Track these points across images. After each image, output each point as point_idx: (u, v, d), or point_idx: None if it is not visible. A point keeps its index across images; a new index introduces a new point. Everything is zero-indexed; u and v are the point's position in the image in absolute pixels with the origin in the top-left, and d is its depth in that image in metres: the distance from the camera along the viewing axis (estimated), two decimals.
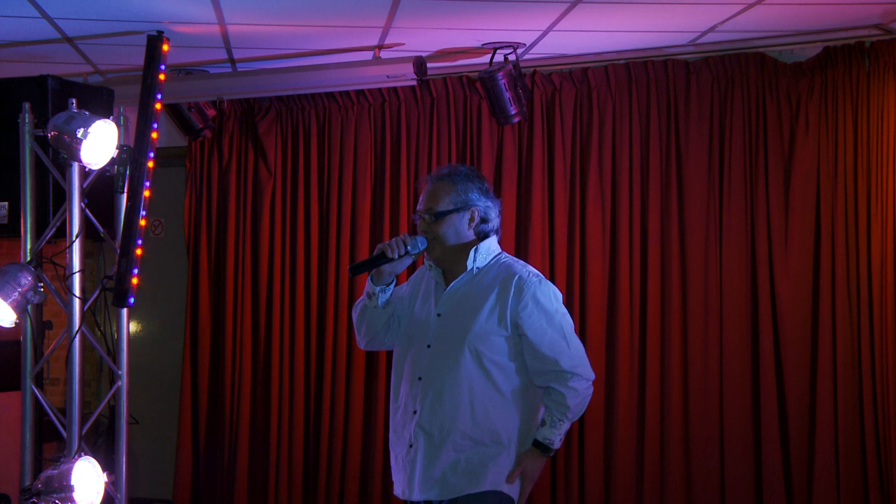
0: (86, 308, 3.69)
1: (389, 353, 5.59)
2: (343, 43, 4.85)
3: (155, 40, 3.53)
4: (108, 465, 3.73)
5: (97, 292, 3.77)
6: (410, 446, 3.16)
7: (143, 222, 3.54)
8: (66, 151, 3.50)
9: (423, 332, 3.23)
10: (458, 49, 4.98)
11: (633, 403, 5.17)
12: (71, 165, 3.61)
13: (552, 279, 5.30)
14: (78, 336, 3.64)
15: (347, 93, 5.53)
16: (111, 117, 3.66)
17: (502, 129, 5.35)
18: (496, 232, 3.27)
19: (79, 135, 3.45)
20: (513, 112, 4.98)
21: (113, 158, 3.58)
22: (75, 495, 3.48)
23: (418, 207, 3.26)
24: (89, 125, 3.47)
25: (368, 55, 5.03)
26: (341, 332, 5.54)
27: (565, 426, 3.13)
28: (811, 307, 4.94)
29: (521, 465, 3.11)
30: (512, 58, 4.89)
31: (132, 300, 3.54)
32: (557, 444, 3.13)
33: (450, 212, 3.18)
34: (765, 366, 4.98)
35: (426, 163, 5.49)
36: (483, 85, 4.92)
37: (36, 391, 3.75)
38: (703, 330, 5.09)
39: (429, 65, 4.92)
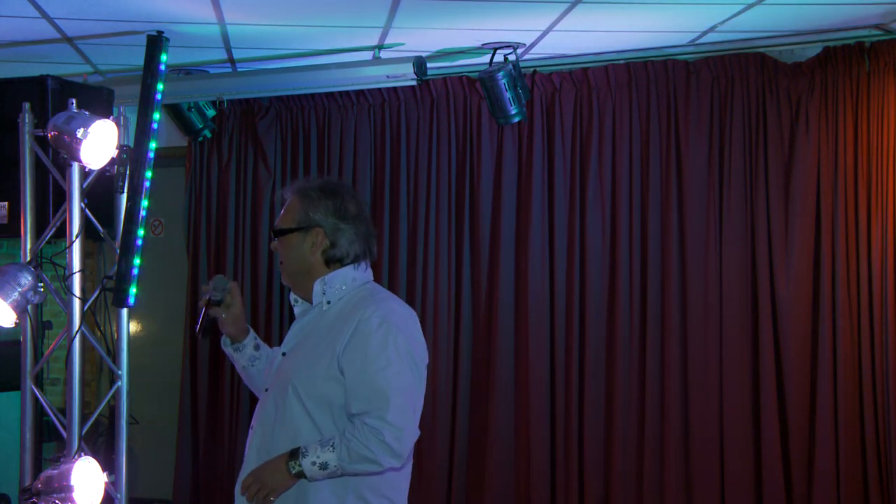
0: (86, 308, 3.69)
1: None
2: (343, 43, 4.85)
3: (155, 40, 3.52)
4: (108, 465, 3.73)
5: (97, 292, 3.76)
6: None
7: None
8: (66, 151, 3.49)
9: (269, 375, 2.87)
10: (458, 49, 4.98)
11: (632, 403, 5.17)
12: (71, 165, 3.60)
13: (551, 279, 5.30)
14: (78, 336, 3.64)
15: (347, 93, 5.53)
16: (111, 117, 3.66)
17: (502, 129, 5.35)
18: (356, 259, 2.82)
19: (79, 135, 3.44)
20: (513, 112, 4.98)
21: (113, 158, 3.57)
22: (75, 495, 3.47)
23: None
24: (89, 125, 3.46)
25: (368, 55, 5.03)
26: None
27: (332, 464, 2.61)
28: (811, 307, 4.94)
29: (260, 469, 2.71)
30: (512, 58, 4.89)
31: (132, 300, 3.54)
32: (309, 473, 2.62)
33: (290, 230, 2.80)
34: (765, 365, 4.97)
35: (426, 163, 5.49)
36: (483, 85, 4.92)
37: (36, 391, 3.74)
38: (703, 330, 5.08)
39: (429, 65, 4.92)
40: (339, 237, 2.79)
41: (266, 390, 2.84)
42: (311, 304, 2.84)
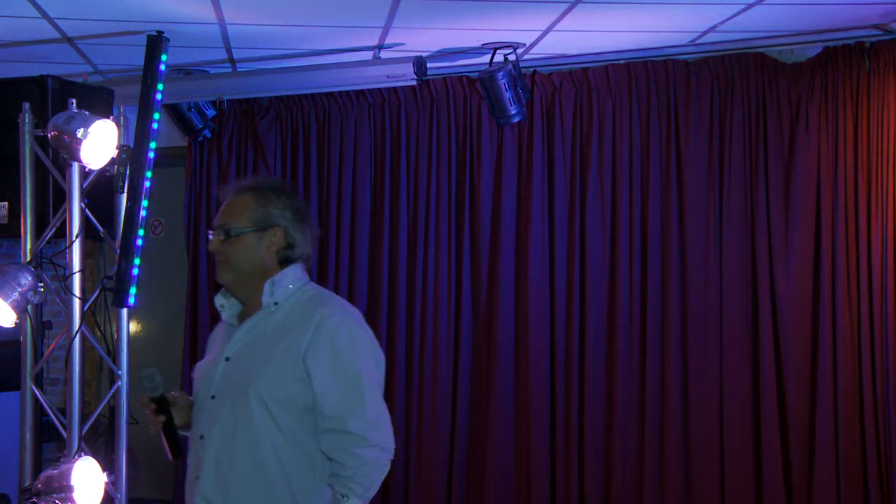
0: (86, 308, 3.69)
1: (397, 353, 5.57)
2: (343, 43, 4.84)
3: (155, 40, 3.53)
4: (108, 465, 3.73)
5: (97, 292, 3.77)
6: None
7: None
8: (66, 151, 3.50)
9: (209, 382, 2.72)
10: (458, 49, 4.98)
11: (632, 404, 5.17)
12: (71, 165, 3.61)
13: (551, 280, 5.30)
14: (78, 336, 3.64)
15: (347, 93, 5.53)
16: (111, 117, 3.66)
17: (502, 129, 5.35)
18: (304, 260, 2.77)
19: (79, 135, 3.45)
20: (513, 112, 4.98)
21: (113, 158, 3.58)
22: (75, 495, 3.47)
23: (213, 222, 2.77)
24: (89, 125, 3.47)
25: (368, 55, 5.03)
26: None
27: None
28: (811, 307, 4.94)
29: None
30: (512, 58, 4.89)
31: (132, 300, 3.54)
32: None
33: (246, 231, 2.69)
34: (765, 366, 4.97)
35: (426, 163, 5.49)
36: (483, 85, 4.92)
37: (36, 391, 3.75)
38: (703, 330, 5.08)
39: (429, 65, 4.92)
40: (297, 237, 2.74)
41: (213, 397, 2.69)
42: (251, 305, 2.74)
